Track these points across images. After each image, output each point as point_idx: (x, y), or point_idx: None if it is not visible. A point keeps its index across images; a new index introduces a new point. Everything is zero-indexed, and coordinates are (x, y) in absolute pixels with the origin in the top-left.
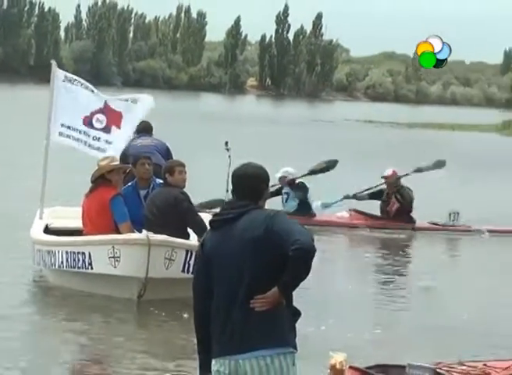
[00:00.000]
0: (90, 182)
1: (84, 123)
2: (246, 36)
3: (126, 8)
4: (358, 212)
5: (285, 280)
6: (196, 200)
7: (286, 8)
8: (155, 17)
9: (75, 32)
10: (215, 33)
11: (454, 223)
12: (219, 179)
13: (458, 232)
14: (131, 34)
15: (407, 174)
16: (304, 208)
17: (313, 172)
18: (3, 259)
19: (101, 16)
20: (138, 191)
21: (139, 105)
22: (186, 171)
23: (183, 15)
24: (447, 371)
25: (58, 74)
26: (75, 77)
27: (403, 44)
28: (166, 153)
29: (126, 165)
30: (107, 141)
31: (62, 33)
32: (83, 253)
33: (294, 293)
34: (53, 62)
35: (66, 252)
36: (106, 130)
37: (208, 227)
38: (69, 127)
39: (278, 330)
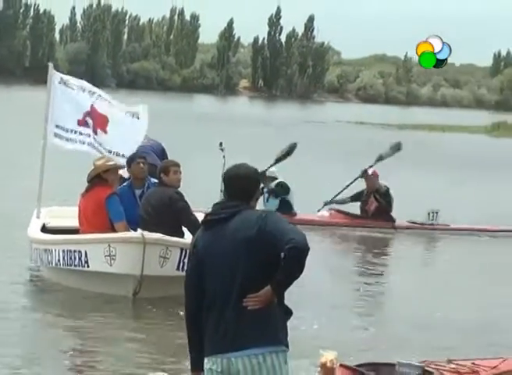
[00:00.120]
0: (87, 182)
1: (80, 124)
2: (239, 38)
3: (120, 10)
4: (338, 211)
5: (278, 278)
6: (191, 199)
7: (279, 10)
8: (149, 19)
9: (70, 34)
10: (208, 35)
11: (433, 222)
12: (213, 179)
13: (437, 230)
14: (125, 36)
15: (371, 166)
16: (285, 207)
17: (278, 160)
18: (0, 258)
19: (96, 18)
20: (133, 191)
21: (142, 120)
22: (181, 171)
23: (176, 17)
24: (436, 369)
25: (54, 76)
26: (70, 79)
27: (394, 47)
28: (161, 153)
29: (120, 164)
30: (95, 140)
31: (57, 35)
32: (80, 251)
33: (286, 292)
34: (50, 65)
35: (63, 251)
36: (94, 131)
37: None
38: (63, 129)
39: (270, 328)
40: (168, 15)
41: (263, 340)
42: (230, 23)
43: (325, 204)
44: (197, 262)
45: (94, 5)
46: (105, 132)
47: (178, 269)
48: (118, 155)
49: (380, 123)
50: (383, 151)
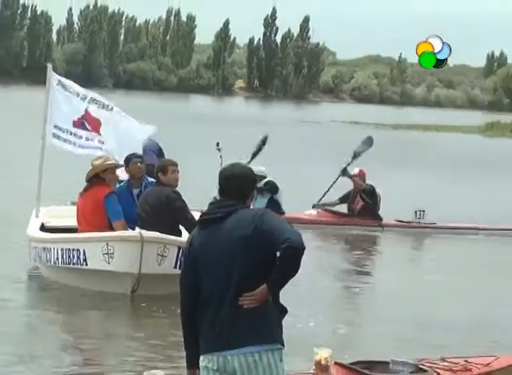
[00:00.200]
0: (86, 181)
1: (75, 125)
2: (234, 39)
3: (116, 11)
4: (326, 210)
5: (274, 277)
6: (188, 199)
7: (274, 11)
8: (145, 20)
9: (67, 34)
10: (204, 36)
11: (420, 221)
12: (210, 179)
13: (423, 229)
14: (122, 37)
15: (348, 164)
16: (273, 206)
17: (254, 155)
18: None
19: (93, 19)
20: (131, 190)
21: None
22: (178, 170)
23: (172, 18)
24: (430, 367)
25: (53, 77)
26: (67, 83)
27: (388, 47)
28: (159, 153)
29: (119, 163)
30: (99, 141)
31: (54, 36)
32: (78, 250)
33: (281, 290)
34: (49, 65)
35: (62, 249)
36: (94, 133)
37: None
38: (61, 129)
39: (266, 327)
40: (164, 16)
41: (259, 338)
42: (226, 24)
43: (314, 206)
44: (193, 261)
45: (91, 6)
46: (99, 134)
47: (175, 267)
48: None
49: (375, 122)
50: (356, 147)
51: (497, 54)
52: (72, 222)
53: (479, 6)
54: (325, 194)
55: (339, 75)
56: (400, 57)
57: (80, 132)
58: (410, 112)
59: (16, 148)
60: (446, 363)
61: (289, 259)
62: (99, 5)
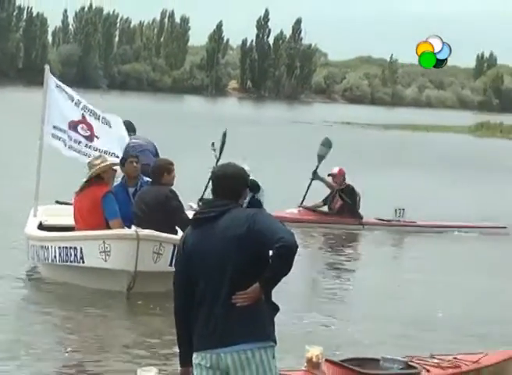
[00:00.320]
0: (87, 180)
1: (69, 127)
2: (227, 40)
3: (111, 13)
4: (307, 209)
5: (267, 276)
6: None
7: (267, 13)
8: (140, 22)
9: (62, 36)
10: (198, 37)
11: (400, 219)
12: (206, 178)
13: (403, 227)
14: (116, 38)
15: (317, 167)
16: (255, 205)
17: (220, 152)
18: None
19: (88, 21)
20: (127, 189)
21: (114, 128)
22: (173, 169)
23: (166, 20)
24: (419, 364)
25: (50, 79)
26: (64, 87)
27: (380, 49)
28: (155, 152)
29: (116, 163)
30: (87, 145)
31: (50, 38)
32: (75, 248)
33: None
34: (46, 67)
35: (59, 247)
36: (89, 139)
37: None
38: (60, 129)
39: (258, 324)
40: (158, 17)
41: (252, 336)
42: (219, 26)
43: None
44: (187, 260)
45: (86, 8)
46: (97, 138)
47: (171, 264)
48: (110, 154)
49: (366, 123)
50: (318, 150)
51: (487, 55)
52: (70, 220)
53: (469, 7)
54: (304, 198)
55: (330, 76)
56: (391, 58)
57: (72, 134)
58: (401, 113)
59: (12, 148)
60: (435, 360)
61: (283, 258)
62: (94, 6)
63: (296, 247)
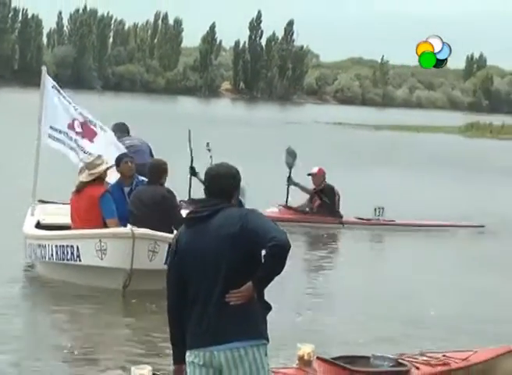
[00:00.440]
0: (90, 181)
1: (69, 127)
2: (220, 42)
3: (105, 15)
4: (287, 208)
5: (260, 275)
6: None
7: (259, 15)
8: (134, 24)
9: (57, 38)
10: (191, 39)
11: (379, 218)
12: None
13: (383, 226)
14: (111, 40)
15: (289, 174)
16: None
17: (191, 152)
18: None
19: (82, 23)
20: (122, 188)
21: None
22: None
23: (160, 22)
24: (409, 361)
25: (47, 80)
26: (61, 91)
27: (370, 50)
28: (150, 153)
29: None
30: (83, 149)
31: (45, 39)
32: (72, 246)
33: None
34: (43, 68)
35: (56, 246)
36: (79, 135)
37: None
38: (56, 130)
39: (251, 323)
40: (152, 19)
41: (245, 334)
42: (212, 28)
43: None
44: (180, 259)
45: (81, 10)
46: (92, 142)
47: (166, 263)
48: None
49: (357, 123)
50: (285, 158)
51: (476, 56)
52: (67, 219)
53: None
54: (287, 200)
55: (322, 77)
56: (382, 59)
57: (72, 134)
58: (392, 113)
59: (8, 148)
60: (425, 358)
61: (276, 257)
62: (88, 8)
63: (289, 246)
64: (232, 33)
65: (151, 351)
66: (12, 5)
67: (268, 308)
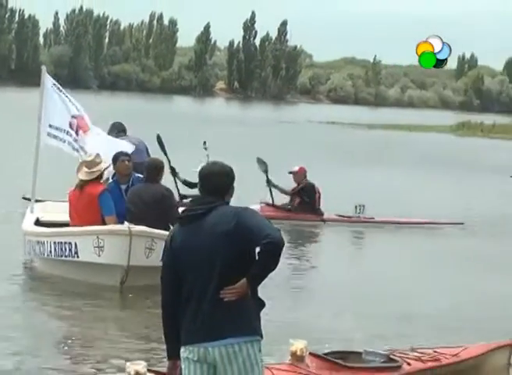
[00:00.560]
0: (94, 178)
1: (70, 126)
2: (215, 42)
3: (101, 15)
4: (269, 205)
5: (254, 272)
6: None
7: (253, 15)
8: (129, 24)
9: (53, 38)
10: (186, 39)
11: (359, 215)
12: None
13: (363, 223)
14: (106, 40)
15: (267, 177)
16: None
17: (165, 153)
18: None
19: (78, 23)
20: (119, 186)
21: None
22: None
23: (155, 22)
24: (400, 357)
25: (47, 79)
26: (61, 89)
27: (363, 50)
28: (146, 151)
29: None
30: (81, 146)
31: (41, 39)
32: (70, 243)
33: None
34: (43, 68)
35: (54, 242)
36: (76, 132)
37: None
38: (57, 128)
39: (245, 319)
40: (147, 19)
41: (239, 330)
42: (207, 28)
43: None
44: (175, 256)
45: (77, 10)
46: (86, 134)
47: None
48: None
49: (350, 122)
50: (259, 167)
51: (468, 56)
52: (66, 217)
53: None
54: (272, 201)
55: (315, 77)
56: (374, 59)
57: (72, 132)
58: (384, 113)
59: (7, 146)
60: (416, 353)
61: (270, 254)
62: (84, 9)
63: (283, 243)
64: (227, 34)
65: (146, 346)
66: (9, 6)
67: (262, 304)
